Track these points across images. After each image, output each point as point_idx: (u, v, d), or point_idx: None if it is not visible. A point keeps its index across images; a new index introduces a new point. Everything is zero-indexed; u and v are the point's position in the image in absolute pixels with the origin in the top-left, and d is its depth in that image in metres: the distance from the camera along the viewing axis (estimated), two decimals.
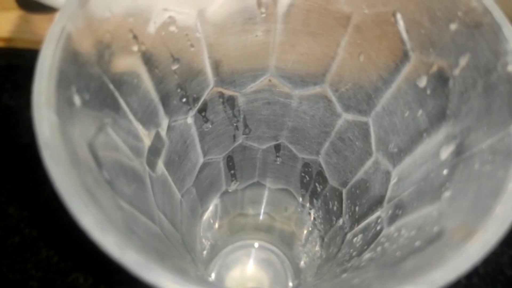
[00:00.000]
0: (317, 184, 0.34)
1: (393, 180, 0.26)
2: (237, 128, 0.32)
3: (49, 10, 0.34)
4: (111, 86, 0.22)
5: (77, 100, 0.20)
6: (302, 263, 0.35)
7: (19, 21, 0.38)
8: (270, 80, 0.29)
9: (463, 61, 0.22)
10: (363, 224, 0.29)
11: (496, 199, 0.18)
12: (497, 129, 0.20)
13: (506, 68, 0.20)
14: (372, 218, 0.28)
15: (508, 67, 0.20)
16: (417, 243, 0.21)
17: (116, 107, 0.23)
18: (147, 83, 0.25)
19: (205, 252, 0.34)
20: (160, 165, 0.27)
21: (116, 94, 0.23)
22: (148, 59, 0.24)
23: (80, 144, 0.19)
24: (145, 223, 0.23)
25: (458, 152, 0.22)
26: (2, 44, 0.38)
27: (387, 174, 0.27)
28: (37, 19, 0.38)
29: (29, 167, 0.28)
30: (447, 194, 0.21)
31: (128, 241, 0.16)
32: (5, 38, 0.39)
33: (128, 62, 0.23)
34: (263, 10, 0.26)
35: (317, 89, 0.28)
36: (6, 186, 0.35)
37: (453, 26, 0.22)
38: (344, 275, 0.26)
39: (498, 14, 0.20)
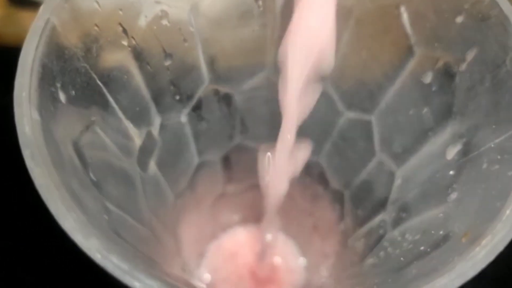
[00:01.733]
0: (318, 186, 0.33)
1: (397, 182, 0.26)
2: (234, 127, 0.31)
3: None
4: (99, 82, 0.22)
5: (62, 96, 0.19)
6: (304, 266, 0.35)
7: (9, 18, 0.38)
8: (268, 77, 0.28)
9: (470, 55, 0.21)
10: (365, 227, 0.28)
11: (505, 201, 0.17)
12: (506, 127, 0.19)
13: None
14: (375, 221, 0.27)
15: None
16: (422, 248, 0.20)
17: (104, 105, 0.22)
18: (138, 80, 0.24)
19: (200, 254, 0.33)
20: (152, 166, 0.26)
21: (105, 90, 0.22)
22: (139, 54, 0.24)
23: (64, 143, 0.19)
24: (133, 226, 0.22)
25: (465, 151, 0.21)
26: None
27: (391, 175, 0.26)
28: (30, 16, 0.37)
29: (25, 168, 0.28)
30: (453, 196, 0.21)
31: (111, 246, 0.16)
32: None
33: (117, 57, 0.23)
34: (260, 3, 0.25)
35: None
36: None
37: (459, 19, 0.21)
38: (347, 282, 0.25)
39: (507, 6, 0.20)
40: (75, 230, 0.15)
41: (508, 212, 0.16)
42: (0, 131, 0.31)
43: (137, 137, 0.25)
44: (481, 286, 0.35)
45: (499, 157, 0.19)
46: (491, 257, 0.16)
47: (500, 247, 0.16)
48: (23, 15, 0.38)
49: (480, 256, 0.16)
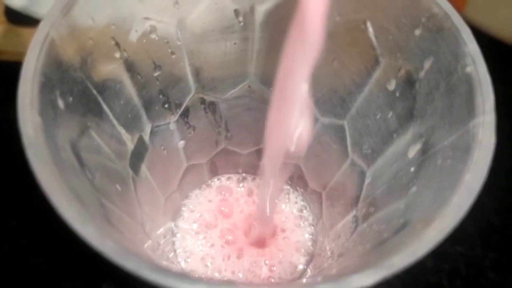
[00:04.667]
0: (298, 188, 0.35)
1: (367, 180, 0.27)
2: (219, 133, 0.33)
3: (39, 24, 0.35)
4: (94, 91, 0.23)
5: (60, 103, 0.21)
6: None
7: (8, 34, 0.39)
8: (249, 86, 0.30)
9: (427, 64, 0.23)
10: (340, 225, 0.29)
11: (454, 190, 0.19)
12: (457, 127, 0.21)
13: (465, 69, 0.21)
14: (348, 218, 0.28)
15: (467, 68, 0.21)
16: (385, 235, 0.22)
17: (99, 112, 0.24)
18: (130, 89, 0.26)
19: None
20: (144, 169, 0.28)
21: (99, 99, 0.24)
22: (130, 66, 0.25)
23: (63, 144, 0.20)
24: (126, 220, 0.23)
25: (424, 150, 0.23)
26: None
27: (362, 175, 0.28)
28: (27, 32, 0.38)
29: (17, 176, 0.29)
30: (413, 189, 0.22)
31: (107, 232, 0.17)
32: None
33: (110, 68, 0.24)
34: (240, 19, 0.27)
35: None
36: None
37: (417, 32, 0.23)
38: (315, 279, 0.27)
39: (457, 19, 0.21)
40: (74, 220, 0.16)
41: (454, 199, 0.18)
42: (1, 140, 0.32)
43: (129, 142, 0.26)
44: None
45: (451, 153, 0.20)
46: (439, 238, 0.17)
47: (448, 229, 0.18)
48: (22, 31, 0.39)
49: (429, 237, 0.17)
